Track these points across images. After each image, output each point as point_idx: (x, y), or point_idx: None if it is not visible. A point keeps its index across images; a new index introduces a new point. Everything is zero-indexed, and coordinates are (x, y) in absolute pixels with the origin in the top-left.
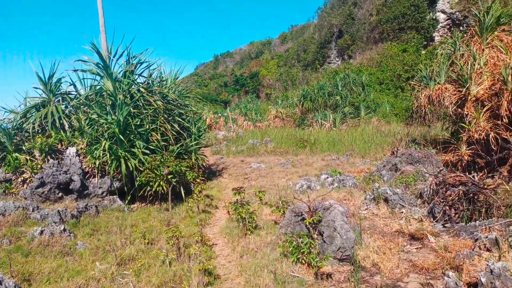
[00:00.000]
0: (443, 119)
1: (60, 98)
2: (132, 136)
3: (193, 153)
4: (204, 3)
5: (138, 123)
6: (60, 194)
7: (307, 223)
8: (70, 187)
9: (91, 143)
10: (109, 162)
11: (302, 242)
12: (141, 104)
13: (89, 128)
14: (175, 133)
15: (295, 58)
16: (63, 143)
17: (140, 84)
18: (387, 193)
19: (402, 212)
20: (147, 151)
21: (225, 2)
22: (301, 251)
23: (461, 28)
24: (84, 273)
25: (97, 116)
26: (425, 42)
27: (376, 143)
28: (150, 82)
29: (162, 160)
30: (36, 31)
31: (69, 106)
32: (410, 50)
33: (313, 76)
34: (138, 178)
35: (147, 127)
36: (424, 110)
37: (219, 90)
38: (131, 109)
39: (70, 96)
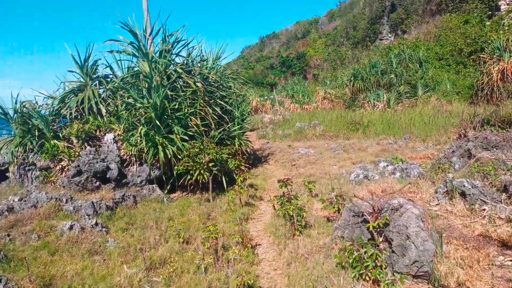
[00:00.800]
0: None
1: (97, 82)
2: (170, 121)
3: (236, 139)
4: None
5: (176, 106)
6: (98, 183)
7: (370, 227)
8: (108, 176)
9: (128, 129)
10: (146, 149)
11: (365, 253)
12: (179, 86)
13: (126, 112)
14: (216, 117)
15: (343, 36)
16: (101, 129)
17: (178, 64)
18: (464, 185)
19: (484, 209)
20: (186, 137)
21: None
22: (365, 264)
23: None
24: (109, 279)
25: (133, 100)
26: (490, 12)
27: (438, 125)
28: (189, 62)
29: (201, 147)
30: (77, 13)
31: (106, 90)
32: (473, 21)
33: (363, 54)
34: (176, 167)
35: (186, 111)
36: (492, 87)
37: (265, 72)
38: (168, 91)
39: (107, 79)
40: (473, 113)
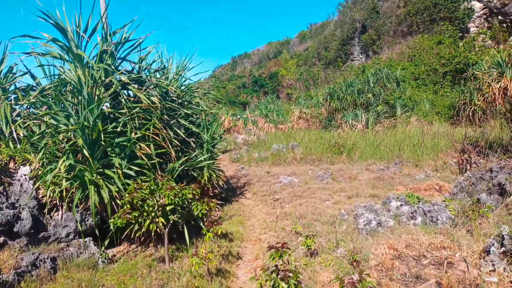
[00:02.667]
0: (503, 117)
1: (14, 95)
2: (109, 149)
3: (205, 169)
4: (218, 3)
5: (118, 129)
6: (2, 238)
7: None
8: (15, 229)
9: (49, 161)
10: (73, 190)
11: None
12: (123, 100)
13: (44, 137)
14: (178, 143)
15: (315, 56)
16: (15, 160)
17: (125, 72)
18: None
19: None
20: (132, 172)
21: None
22: None
23: (499, 17)
24: None
25: (55, 121)
26: (460, 34)
27: (428, 147)
28: (142, 69)
29: (152, 187)
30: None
31: (20, 106)
32: (446, 42)
33: (336, 74)
34: (111, 220)
35: (132, 135)
36: (472, 108)
37: (237, 91)
38: (106, 107)
39: (32, 91)
40: (462, 135)
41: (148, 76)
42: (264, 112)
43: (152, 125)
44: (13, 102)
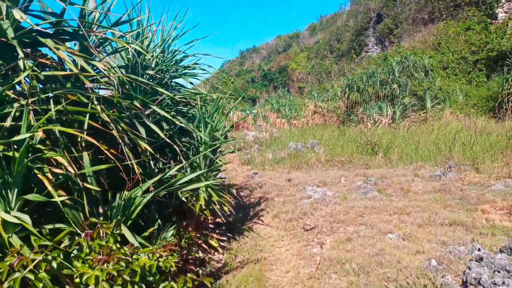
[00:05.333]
0: None
1: None
2: None
3: (202, 192)
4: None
5: (7, 123)
6: None
7: None
8: None
9: None
10: None
11: None
12: (21, 63)
13: None
14: (150, 149)
15: (327, 49)
16: None
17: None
18: None
19: None
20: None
21: None
22: None
23: None
24: None
25: None
26: (488, 20)
27: (483, 146)
28: (87, 15)
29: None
30: None
31: None
32: (476, 28)
33: (350, 66)
34: None
35: (36, 135)
36: None
37: (246, 86)
38: None
39: None
40: None
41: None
42: (276, 106)
43: (87, 117)
44: None
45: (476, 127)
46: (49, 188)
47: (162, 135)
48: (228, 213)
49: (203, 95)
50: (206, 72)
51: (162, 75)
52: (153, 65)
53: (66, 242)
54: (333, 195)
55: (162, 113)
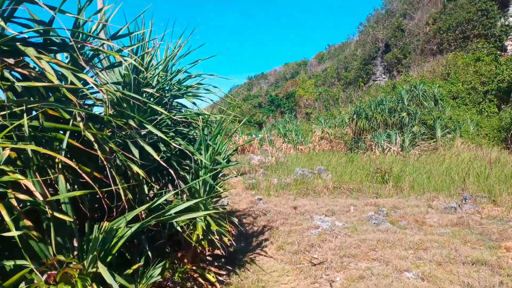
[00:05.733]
0: None
1: None
2: None
3: (200, 220)
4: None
5: None
6: None
7: None
8: None
9: None
10: None
11: None
12: None
13: None
14: (142, 173)
15: (334, 76)
16: None
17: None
18: None
19: None
20: None
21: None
22: None
23: None
24: None
25: None
26: (498, 52)
27: (499, 178)
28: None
29: None
30: None
31: None
32: (486, 59)
33: (358, 94)
34: None
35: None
36: None
37: (253, 111)
38: None
39: None
40: None
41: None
42: (282, 131)
43: (67, 133)
44: None
45: (483, 157)
46: (6, 218)
47: (157, 157)
48: (228, 244)
49: (205, 116)
50: (210, 92)
51: (163, 93)
52: (154, 83)
53: (22, 286)
54: (342, 226)
55: (158, 133)
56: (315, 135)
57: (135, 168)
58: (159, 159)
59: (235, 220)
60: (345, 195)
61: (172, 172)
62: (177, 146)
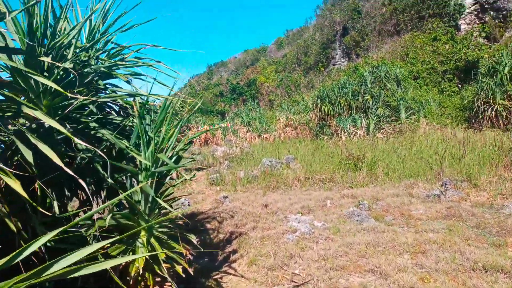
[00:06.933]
0: None
1: None
2: None
3: (140, 244)
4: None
5: None
6: None
7: None
8: None
9: None
10: None
11: None
12: None
13: None
14: (19, 188)
15: (295, 62)
16: None
17: None
18: None
19: None
20: None
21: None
22: None
23: (492, 13)
24: None
25: None
26: (453, 31)
27: (473, 159)
28: None
29: None
30: None
31: None
32: (443, 38)
33: (319, 79)
34: None
35: None
36: (495, 108)
37: (214, 100)
38: None
39: None
40: (496, 141)
41: None
42: (246, 120)
43: None
44: None
45: (451, 138)
46: None
47: (57, 160)
48: (183, 275)
49: (144, 98)
50: (154, 68)
51: (85, 70)
52: (70, 55)
53: None
54: (322, 226)
55: (48, 121)
56: (280, 122)
57: (10, 182)
58: (60, 163)
59: (194, 239)
60: (317, 186)
61: (82, 183)
62: (83, 144)
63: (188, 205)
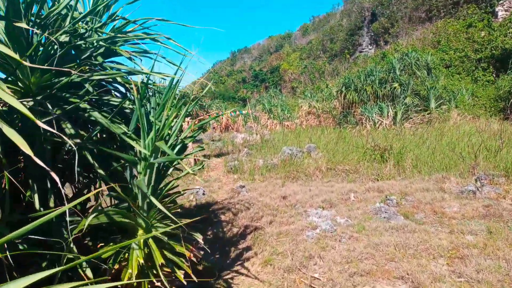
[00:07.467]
0: None
1: None
2: None
3: (136, 246)
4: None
5: None
6: None
7: None
8: None
9: None
10: None
11: None
12: None
13: None
14: None
15: (320, 49)
16: None
17: None
18: None
19: None
20: None
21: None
22: None
23: None
24: None
25: None
26: (490, 17)
27: (511, 152)
28: None
29: None
30: None
31: None
32: (478, 25)
33: (344, 66)
34: None
35: None
36: None
37: (237, 86)
38: None
39: None
40: None
41: None
42: (267, 107)
43: None
44: None
45: (484, 129)
46: None
47: (25, 148)
48: (184, 283)
49: (146, 77)
50: (162, 44)
51: (80, 42)
52: (66, 24)
53: None
54: (345, 223)
55: (11, 101)
56: (302, 110)
57: None
58: (28, 151)
59: (200, 238)
60: (340, 177)
61: (55, 176)
62: (102, 122)
63: (203, 194)
